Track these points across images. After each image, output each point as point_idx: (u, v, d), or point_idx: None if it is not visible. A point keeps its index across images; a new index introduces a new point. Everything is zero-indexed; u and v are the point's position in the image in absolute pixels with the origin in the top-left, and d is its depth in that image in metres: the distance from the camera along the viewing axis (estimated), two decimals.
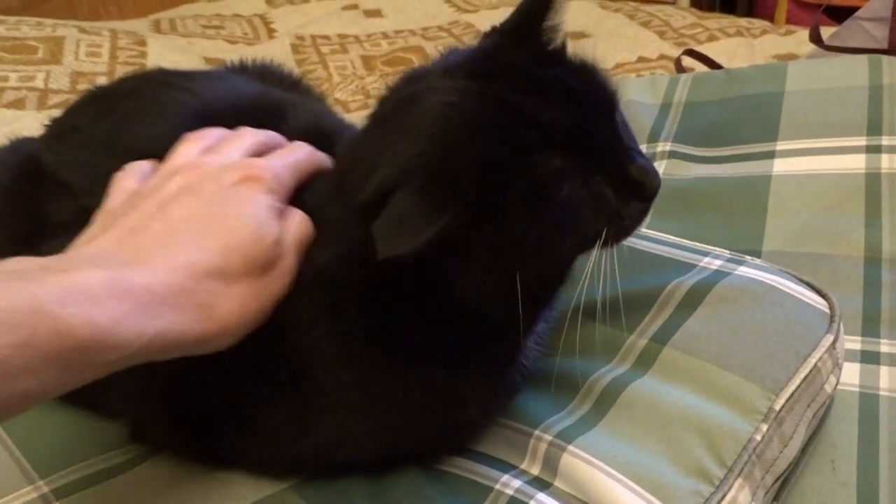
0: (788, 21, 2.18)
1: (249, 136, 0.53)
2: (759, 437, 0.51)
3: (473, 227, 0.43)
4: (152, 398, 0.53)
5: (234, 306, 0.43)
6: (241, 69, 0.77)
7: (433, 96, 0.46)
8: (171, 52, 1.42)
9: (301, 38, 1.70)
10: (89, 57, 1.33)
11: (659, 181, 0.48)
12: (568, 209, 0.45)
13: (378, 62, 1.59)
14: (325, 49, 1.64)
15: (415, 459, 0.55)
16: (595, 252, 0.49)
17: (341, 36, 1.72)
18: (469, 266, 0.46)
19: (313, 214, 0.50)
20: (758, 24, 1.67)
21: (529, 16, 0.50)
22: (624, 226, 0.48)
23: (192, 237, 0.43)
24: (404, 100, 0.48)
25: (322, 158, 0.54)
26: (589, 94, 0.47)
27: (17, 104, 1.17)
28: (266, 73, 0.76)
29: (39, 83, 1.23)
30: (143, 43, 1.42)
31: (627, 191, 0.47)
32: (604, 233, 0.47)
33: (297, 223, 0.49)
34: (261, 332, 0.47)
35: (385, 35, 1.73)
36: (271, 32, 1.77)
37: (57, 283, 0.36)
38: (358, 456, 0.53)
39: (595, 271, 0.50)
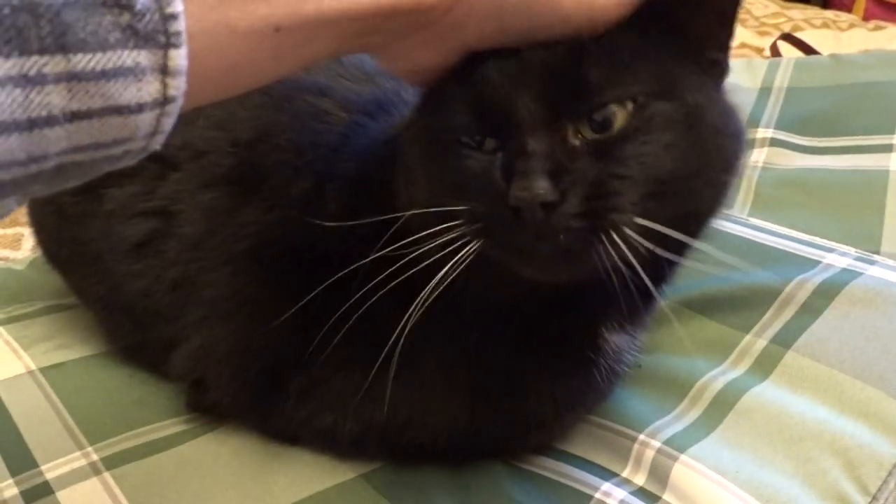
0: (866, 18, 2.08)
1: None
2: None
3: None
4: (218, 355, 0.49)
5: None
6: None
7: None
8: None
9: None
10: None
11: (531, 194, 0.35)
12: (457, 153, 0.39)
13: None
14: None
15: (492, 454, 0.50)
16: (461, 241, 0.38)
17: None
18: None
19: None
20: (844, 17, 1.58)
21: None
22: (479, 214, 0.38)
23: None
24: None
25: None
26: (578, 68, 0.37)
27: None
28: None
29: None
30: None
31: (505, 180, 0.37)
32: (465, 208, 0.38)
33: None
34: (339, 289, 0.41)
35: None
36: None
37: None
38: (426, 440, 0.47)
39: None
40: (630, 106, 0.37)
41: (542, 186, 0.35)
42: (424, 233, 0.38)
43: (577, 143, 0.37)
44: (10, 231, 0.94)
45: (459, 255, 0.37)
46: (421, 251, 0.38)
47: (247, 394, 0.49)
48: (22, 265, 0.73)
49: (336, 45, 0.34)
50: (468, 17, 0.35)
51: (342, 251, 0.43)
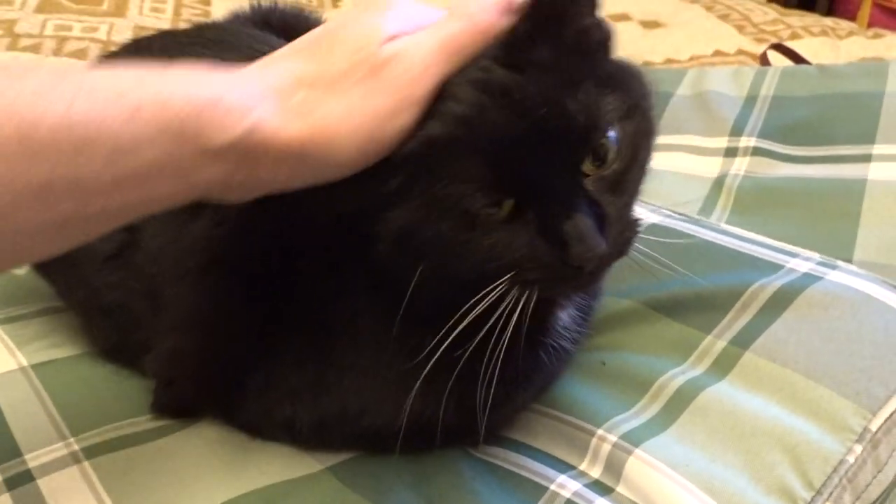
0: (870, 25, 2.08)
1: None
2: (851, 459, 0.46)
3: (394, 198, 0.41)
4: (184, 359, 0.52)
5: (334, 115, 0.38)
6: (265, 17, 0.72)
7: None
8: None
9: None
10: (153, 12, 1.32)
11: (595, 254, 0.39)
12: (467, 218, 0.40)
13: None
14: None
15: (449, 439, 0.50)
16: (512, 291, 0.41)
17: None
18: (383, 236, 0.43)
19: None
20: (844, 24, 1.58)
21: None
22: (533, 278, 0.41)
23: (305, 42, 0.41)
24: None
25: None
26: (573, 120, 0.40)
27: (80, 54, 1.15)
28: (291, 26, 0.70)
29: (102, 35, 1.21)
30: (207, 2, 1.39)
31: (557, 245, 0.40)
32: (510, 274, 0.40)
33: (443, 27, 0.41)
34: (288, 286, 0.45)
35: None
36: (335, 1, 1.73)
37: (156, 69, 0.37)
38: (381, 427, 0.49)
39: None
40: (612, 135, 0.41)
41: (600, 244, 0.39)
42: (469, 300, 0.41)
43: (591, 186, 0.41)
44: None
45: (507, 303, 0.41)
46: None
47: (211, 393, 0.52)
48: (21, 269, 0.76)
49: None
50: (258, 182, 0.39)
51: (283, 262, 0.47)
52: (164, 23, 1.30)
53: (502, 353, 0.43)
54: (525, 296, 0.41)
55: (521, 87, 0.39)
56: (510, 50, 0.41)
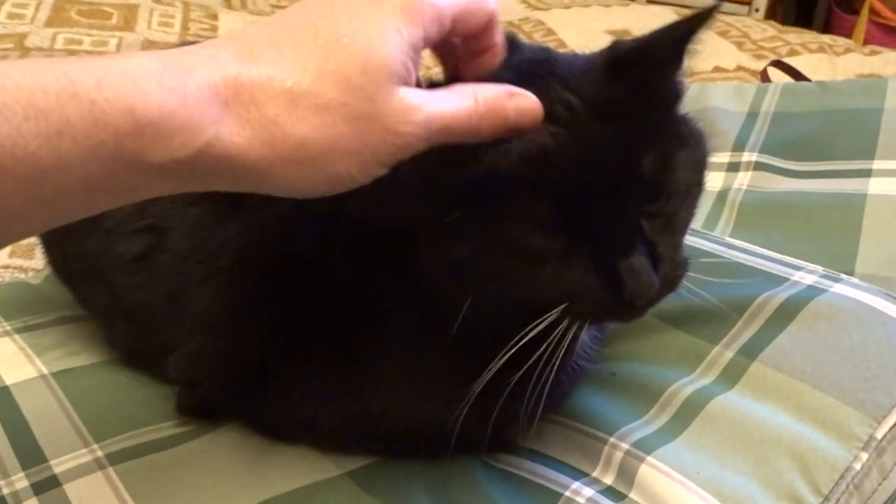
0: (866, 42, 2.11)
1: None
2: (857, 467, 0.47)
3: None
4: (208, 359, 0.53)
5: (309, 137, 0.34)
6: None
7: None
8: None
9: None
10: (162, 27, 1.33)
11: (649, 293, 0.41)
12: (525, 255, 0.41)
13: None
14: None
15: (467, 448, 0.52)
16: (563, 321, 0.42)
17: None
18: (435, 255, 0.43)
19: None
20: (841, 41, 1.60)
21: (659, 51, 0.43)
22: (586, 311, 0.42)
23: (287, 47, 0.35)
24: None
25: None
26: (647, 177, 0.41)
27: None
28: None
29: (111, 48, 1.23)
30: (214, 17, 1.41)
31: (611, 282, 0.41)
32: (562, 307, 0.42)
33: (445, 100, 0.37)
34: (312, 297, 0.46)
35: None
36: None
37: (97, 67, 0.31)
38: (401, 433, 0.51)
39: None
40: (671, 173, 0.42)
41: (654, 284, 0.41)
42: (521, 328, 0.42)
43: (646, 225, 0.42)
44: (23, 241, 0.98)
45: (557, 332, 0.42)
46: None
47: (234, 393, 0.53)
48: (37, 280, 0.77)
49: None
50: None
51: (313, 266, 0.48)
52: (172, 37, 1.31)
53: (541, 376, 0.44)
54: (576, 326, 0.42)
55: (600, 137, 0.40)
56: (596, 93, 0.41)
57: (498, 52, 0.41)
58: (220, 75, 0.33)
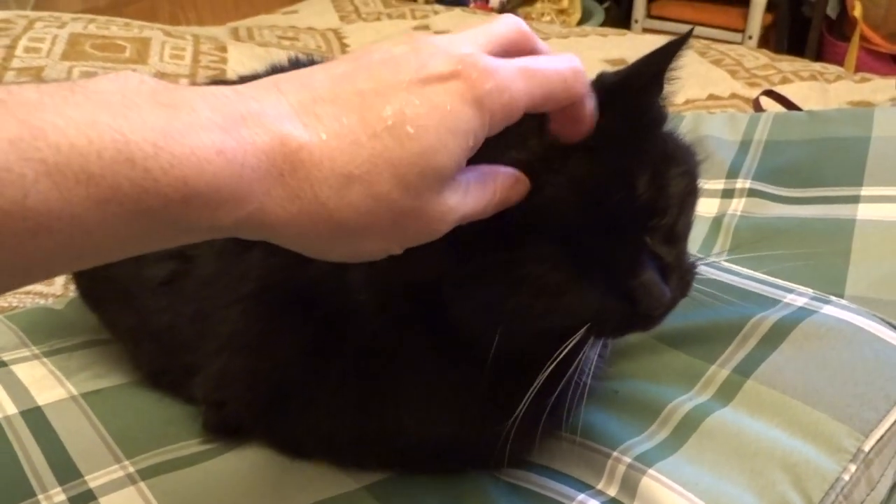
0: (858, 69, 2.15)
1: (501, 25, 0.39)
2: (846, 478, 0.50)
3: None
4: (232, 380, 0.56)
5: (351, 219, 0.34)
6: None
7: None
8: (249, 60, 1.45)
9: None
10: (173, 59, 1.37)
11: (663, 303, 0.44)
12: (543, 291, 0.43)
13: None
14: None
15: (479, 463, 0.55)
16: (588, 341, 0.46)
17: None
18: (460, 300, 0.46)
19: None
20: (832, 69, 1.64)
21: (641, 81, 0.45)
22: (608, 329, 0.46)
23: (352, 116, 0.34)
24: None
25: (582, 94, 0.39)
26: (644, 201, 0.43)
27: None
28: None
29: None
30: (223, 49, 1.45)
31: (627, 300, 0.44)
32: (584, 328, 0.45)
33: (476, 198, 0.38)
34: (333, 323, 0.48)
35: None
36: (344, 47, 1.80)
37: (156, 119, 0.30)
38: (417, 449, 0.54)
39: None
40: (665, 189, 0.45)
41: (666, 294, 0.44)
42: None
43: (649, 238, 0.45)
44: None
45: (584, 352, 0.46)
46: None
47: (257, 412, 0.56)
48: (60, 305, 0.80)
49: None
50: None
51: (334, 290, 0.51)
52: (183, 69, 1.35)
53: (559, 393, 0.48)
54: (600, 343, 0.46)
55: (595, 172, 0.42)
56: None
57: (586, 124, 0.41)
58: (279, 144, 0.32)
